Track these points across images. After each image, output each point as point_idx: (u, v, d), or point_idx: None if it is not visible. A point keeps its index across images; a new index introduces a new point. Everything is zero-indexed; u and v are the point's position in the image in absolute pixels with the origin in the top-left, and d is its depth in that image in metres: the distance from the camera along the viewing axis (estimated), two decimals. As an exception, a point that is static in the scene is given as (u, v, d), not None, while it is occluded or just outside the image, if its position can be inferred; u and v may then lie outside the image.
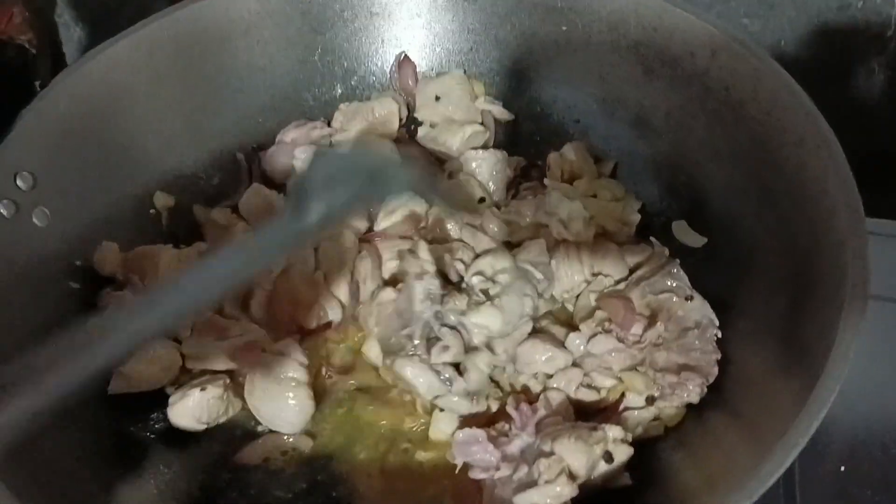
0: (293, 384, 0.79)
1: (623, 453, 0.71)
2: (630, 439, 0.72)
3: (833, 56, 1.20)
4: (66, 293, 0.82)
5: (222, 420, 0.80)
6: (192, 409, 0.78)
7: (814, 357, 0.62)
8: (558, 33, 0.97)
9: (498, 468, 0.72)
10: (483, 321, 0.81)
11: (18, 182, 0.77)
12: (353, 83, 1.05)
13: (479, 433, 0.74)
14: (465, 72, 1.05)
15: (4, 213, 0.75)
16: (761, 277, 0.78)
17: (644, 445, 0.74)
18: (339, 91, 1.05)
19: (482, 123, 1.03)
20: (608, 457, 0.70)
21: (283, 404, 0.79)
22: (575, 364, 0.81)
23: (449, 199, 0.84)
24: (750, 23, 1.19)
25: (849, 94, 1.22)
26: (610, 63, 0.95)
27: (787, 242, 0.75)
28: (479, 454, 0.73)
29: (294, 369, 0.80)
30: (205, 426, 0.79)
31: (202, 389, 0.78)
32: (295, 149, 0.97)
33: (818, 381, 0.60)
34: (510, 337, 0.81)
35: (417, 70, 1.05)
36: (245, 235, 0.60)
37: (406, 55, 1.05)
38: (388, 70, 1.05)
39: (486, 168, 0.96)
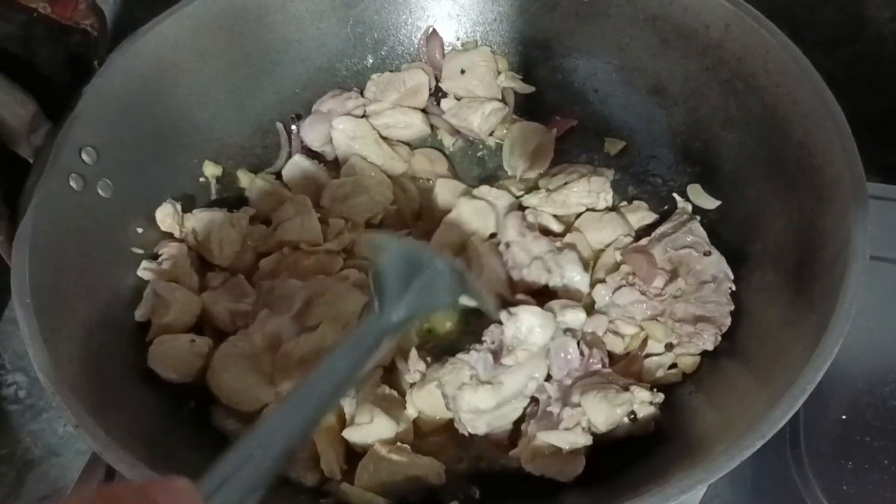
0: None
1: (648, 413, 0.77)
2: (658, 401, 0.78)
3: (845, 20, 1.23)
4: (130, 258, 0.88)
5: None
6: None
7: (819, 313, 0.68)
8: (579, 5, 1.01)
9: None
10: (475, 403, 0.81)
11: (84, 157, 0.83)
12: (383, 53, 1.10)
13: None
14: (489, 47, 1.09)
15: (74, 186, 0.81)
16: (771, 238, 0.83)
17: (665, 391, 0.80)
18: (371, 61, 1.10)
19: (503, 99, 1.08)
20: (633, 417, 0.77)
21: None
22: (601, 312, 0.87)
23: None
24: (764, -11, 1.23)
25: (859, 56, 1.26)
26: (629, 34, 0.99)
27: (794, 206, 0.80)
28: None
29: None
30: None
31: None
32: (332, 119, 1.03)
33: (823, 336, 0.65)
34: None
35: (444, 42, 1.10)
36: (341, 340, 0.61)
37: (434, 29, 1.09)
38: (415, 40, 1.10)
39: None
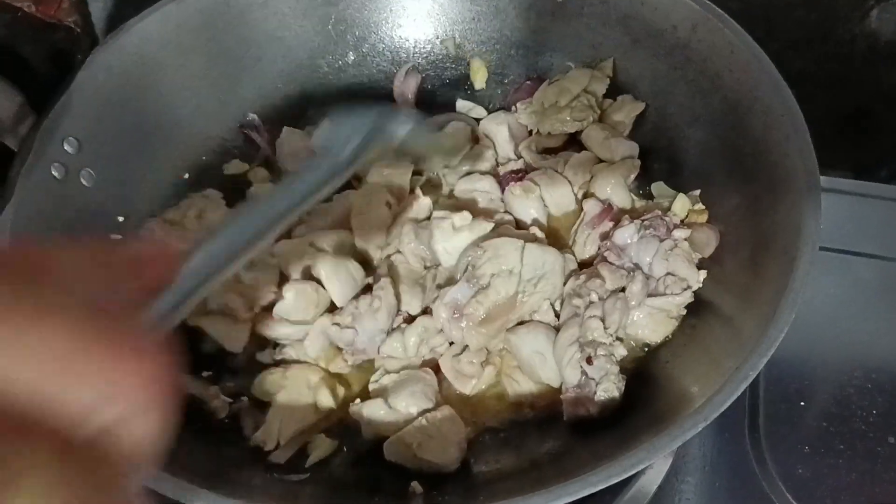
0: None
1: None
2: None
3: (817, 20, 1.26)
4: (109, 245, 0.91)
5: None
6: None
7: (770, 300, 0.70)
8: (554, 5, 1.04)
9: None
10: None
11: (66, 147, 0.85)
12: (364, 50, 1.12)
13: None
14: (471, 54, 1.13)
15: (56, 175, 0.84)
16: (729, 230, 0.86)
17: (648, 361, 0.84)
18: (352, 58, 1.12)
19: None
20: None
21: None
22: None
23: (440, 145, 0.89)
24: (740, -10, 1.26)
25: (831, 56, 1.29)
26: (601, 33, 1.03)
27: (752, 199, 0.83)
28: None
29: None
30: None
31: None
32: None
33: (772, 319, 0.68)
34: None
35: (419, 78, 1.13)
36: (287, 176, 0.64)
37: (413, 68, 1.13)
38: (396, 38, 1.13)
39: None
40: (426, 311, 0.88)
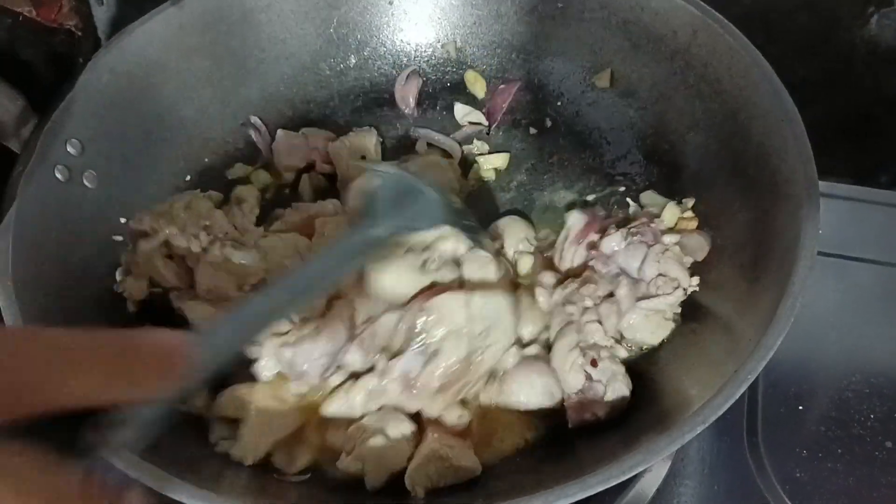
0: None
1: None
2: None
3: (818, 26, 1.26)
4: (112, 245, 0.90)
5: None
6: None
7: (769, 304, 0.71)
8: (555, 9, 1.05)
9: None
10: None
11: (69, 149, 0.86)
12: (365, 54, 1.13)
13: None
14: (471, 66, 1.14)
15: (60, 177, 0.84)
16: (729, 235, 0.86)
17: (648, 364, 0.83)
18: (353, 61, 1.13)
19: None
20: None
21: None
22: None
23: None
24: (742, -4, 1.26)
25: (832, 61, 1.29)
26: (601, 38, 1.03)
27: (752, 204, 0.83)
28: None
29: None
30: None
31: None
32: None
33: (771, 323, 0.68)
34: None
35: (420, 82, 1.14)
36: (329, 242, 0.65)
37: (414, 72, 1.13)
38: (397, 41, 1.13)
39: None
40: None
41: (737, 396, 0.65)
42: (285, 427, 0.79)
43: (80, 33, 0.85)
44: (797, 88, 0.83)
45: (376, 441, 0.75)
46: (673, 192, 0.96)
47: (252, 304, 0.53)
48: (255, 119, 1.08)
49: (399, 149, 1.10)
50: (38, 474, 0.32)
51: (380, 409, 0.80)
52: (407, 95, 1.12)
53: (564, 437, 0.79)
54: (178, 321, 0.87)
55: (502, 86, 1.12)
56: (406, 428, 0.78)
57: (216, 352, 0.47)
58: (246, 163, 1.07)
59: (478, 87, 1.13)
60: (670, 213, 0.91)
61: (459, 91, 1.14)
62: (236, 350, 0.47)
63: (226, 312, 0.47)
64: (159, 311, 0.89)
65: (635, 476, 0.83)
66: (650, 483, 0.83)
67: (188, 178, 1.02)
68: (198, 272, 0.88)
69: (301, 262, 0.60)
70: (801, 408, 0.90)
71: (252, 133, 1.07)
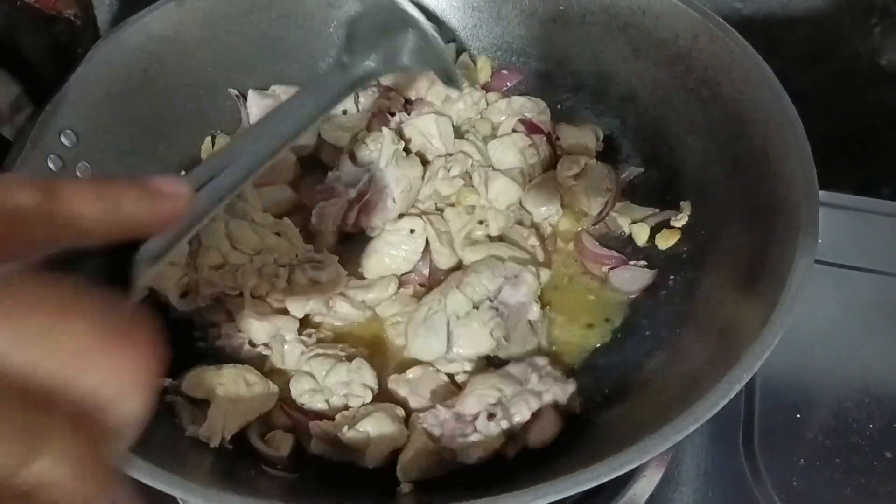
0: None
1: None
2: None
3: (821, 38, 1.26)
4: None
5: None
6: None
7: (766, 305, 0.69)
8: (556, 13, 1.04)
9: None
10: None
11: (63, 139, 0.85)
12: (364, 54, 1.13)
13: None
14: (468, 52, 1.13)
15: (52, 167, 0.84)
16: (727, 238, 0.85)
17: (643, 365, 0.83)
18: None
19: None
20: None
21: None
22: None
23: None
24: (743, 7, 1.26)
25: (835, 73, 1.29)
26: (602, 42, 1.02)
27: (751, 207, 0.82)
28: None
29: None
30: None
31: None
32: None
33: (768, 323, 0.67)
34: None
35: None
36: (304, 86, 0.62)
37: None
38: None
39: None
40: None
41: (731, 396, 0.64)
42: (253, 410, 0.80)
43: (79, 23, 0.84)
44: (799, 101, 0.82)
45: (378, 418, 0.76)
46: (674, 195, 0.95)
47: (243, 146, 0.51)
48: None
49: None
50: (85, 296, 0.33)
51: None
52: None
53: (557, 434, 0.77)
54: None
55: (504, 71, 1.12)
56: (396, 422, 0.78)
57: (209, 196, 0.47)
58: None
59: (483, 73, 1.12)
60: (640, 232, 0.94)
61: (459, 92, 1.13)
62: (226, 196, 0.47)
63: (214, 157, 0.46)
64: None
65: (629, 481, 0.82)
66: (644, 488, 0.82)
67: (183, 172, 1.00)
68: (290, 302, 0.89)
69: (277, 107, 0.57)
70: (798, 416, 0.89)
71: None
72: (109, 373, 0.32)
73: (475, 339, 0.82)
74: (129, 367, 0.33)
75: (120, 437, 0.33)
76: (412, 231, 0.93)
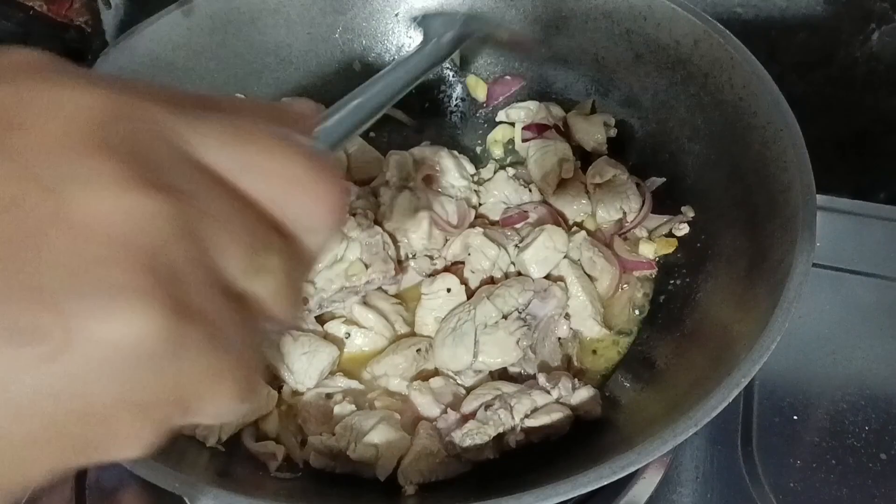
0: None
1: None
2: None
3: (819, 43, 1.27)
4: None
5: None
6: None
7: (764, 309, 0.70)
8: (559, 18, 1.06)
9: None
10: None
11: (74, 144, 0.87)
12: (370, 60, 1.14)
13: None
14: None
15: (63, 173, 0.85)
16: (726, 242, 0.86)
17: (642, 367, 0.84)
18: (359, 67, 1.14)
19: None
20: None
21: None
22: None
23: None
24: (743, 12, 1.27)
25: (833, 79, 1.30)
26: (604, 47, 1.04)
27: (750, 212, 0.83)
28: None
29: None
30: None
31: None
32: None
33: (765, 327, 0.68)
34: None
35: None
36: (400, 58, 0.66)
37: None
38: (402, 47, 1.14)
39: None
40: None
41: (729, 400, 0.65)
42: (250, 412, 0.81)
43: (90, 30, 0.86)
44: (797, 105, 0.83)
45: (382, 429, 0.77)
46: (675, 199, 0.96)
47: (358, 99, 0.52)
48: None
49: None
50: (295, 135, 0.36)
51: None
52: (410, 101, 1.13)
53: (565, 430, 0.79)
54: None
55: (507, 77, 1.13)
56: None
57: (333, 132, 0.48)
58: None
59: (479, 91, 1.14)
60: (646, 247, 0.96)
61: (463, 98, 1.16)
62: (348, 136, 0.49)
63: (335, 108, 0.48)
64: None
65: (629, 482, 0.83)
66: (643, 490, 0.83)
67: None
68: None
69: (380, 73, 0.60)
70: (795, 418, 0.90)
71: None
72: (310, 205, 0.34)
73: (501, 348, 0.82)
74: (325, 204, 0.35)
75: (306, 270, 0.36)
76: (448, 290, 0.91)
